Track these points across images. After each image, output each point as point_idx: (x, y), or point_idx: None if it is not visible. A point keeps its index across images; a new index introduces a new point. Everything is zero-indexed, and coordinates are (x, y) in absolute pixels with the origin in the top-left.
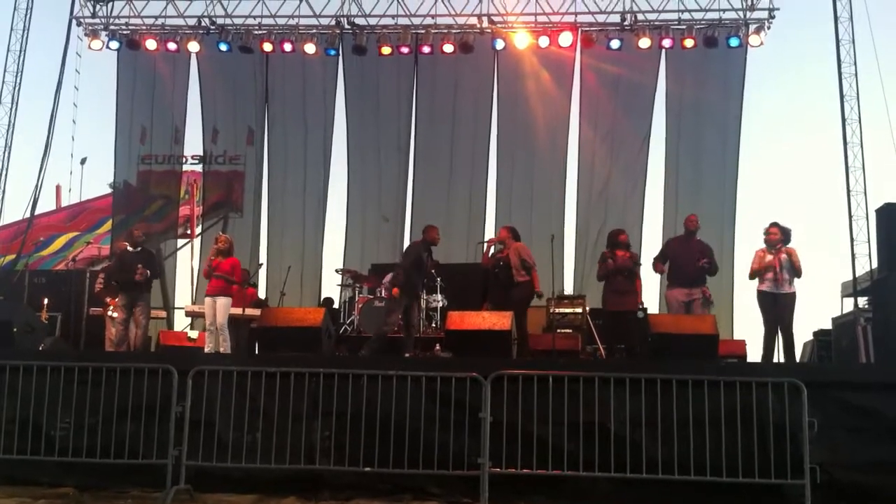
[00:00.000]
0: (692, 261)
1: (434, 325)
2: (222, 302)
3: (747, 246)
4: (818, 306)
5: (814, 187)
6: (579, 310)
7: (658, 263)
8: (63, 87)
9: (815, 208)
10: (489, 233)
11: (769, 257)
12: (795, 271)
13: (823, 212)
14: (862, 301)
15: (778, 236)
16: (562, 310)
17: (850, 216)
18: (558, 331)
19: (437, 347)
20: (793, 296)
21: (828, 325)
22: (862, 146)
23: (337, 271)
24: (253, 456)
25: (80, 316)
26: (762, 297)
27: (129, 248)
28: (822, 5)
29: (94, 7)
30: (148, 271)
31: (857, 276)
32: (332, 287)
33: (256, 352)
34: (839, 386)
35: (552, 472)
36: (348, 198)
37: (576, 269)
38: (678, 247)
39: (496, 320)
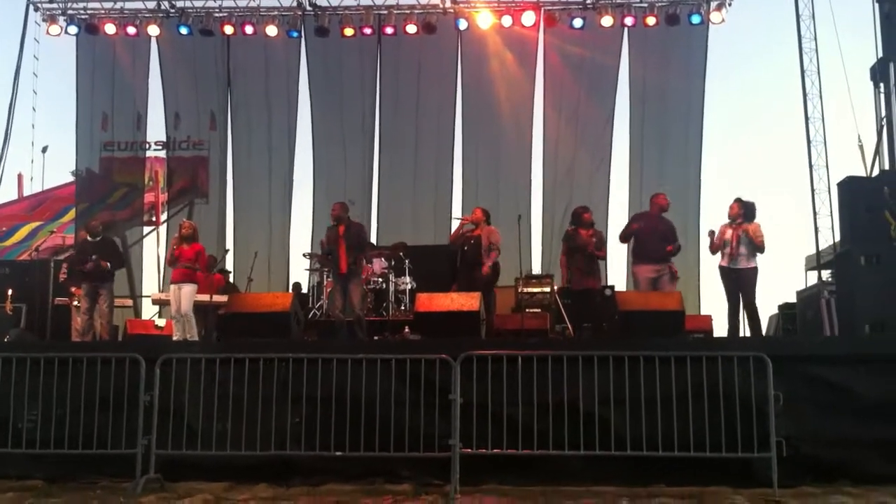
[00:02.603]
0: (659, 238)
1: (403, 307)
2: (187, 289)
3: (712, 223)
4: (783, 280)
5: (777, 162)
6: (547, 289)
7: (623, 236)
8: (21, 73)
9: (778, 183)
10: (457, 213)
11: (729, 232)
12: (756, 247)
13: (787, 186)
14: (825, 274)
15: (736, 211)
16: (530, 289)
17: (813, 190)
18: (527, 310)
19: (407, 330)
20: (753, 271)
21: (792, 299)
22: (823, 120)
23: (305, 255)
24: (223, 443)
25: (46, 306)
26: (721, 271)
27: (89, 238)
28: None
29: None
30: (109, 263)
31: (820, 249)
32: (300, 272)
33: (224, 338)
34: (804, 359)
35: (522, 452)
36: (314, 181)
37: (543, 249)
38: (645, 224)
39: (464, 301)
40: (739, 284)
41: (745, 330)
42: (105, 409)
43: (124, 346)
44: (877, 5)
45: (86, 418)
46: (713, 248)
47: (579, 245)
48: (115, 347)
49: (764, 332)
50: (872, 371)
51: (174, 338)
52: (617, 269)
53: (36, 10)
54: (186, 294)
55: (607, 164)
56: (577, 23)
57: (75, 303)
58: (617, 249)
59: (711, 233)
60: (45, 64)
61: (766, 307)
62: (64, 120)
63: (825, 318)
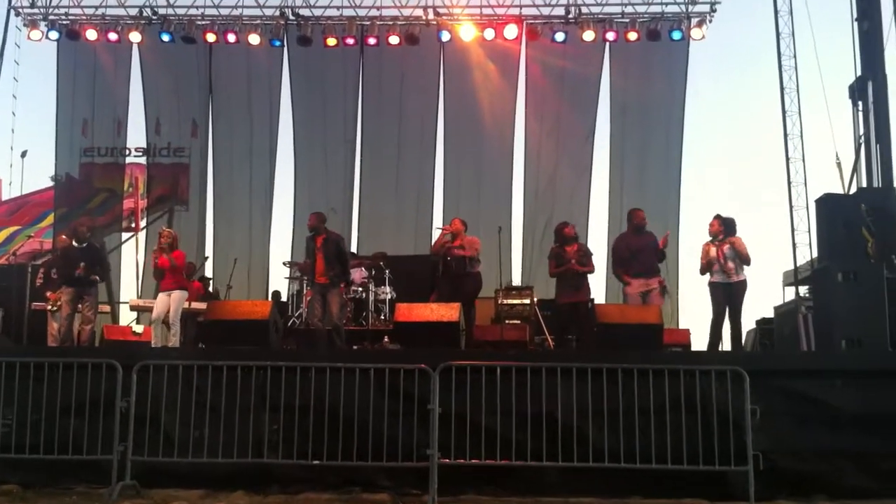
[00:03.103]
0: (648, 251)
1: (383, 317)
2: (177, 295)
3: (692, 237)
4: (761, 295)
5: (756, 179)
6: (527, 301)
7: (622, 273)
8: (1, 78)
9: (757, 199)
10: (437, 224)
11: (713, 250)
12: (743, 259)
13: (766, 202)
14: (803, 290)
15: (716, 228)
16: (510, 301)
17: (791, 206)
18: (506, 322)
19: (386, 339)
20: (744, 283)
21: (770, 314)
22: (802, 138)
23: (284, 264)
24: (200, 451)
25: (23, 311)
26: (714, 287)
27: (74, 244)
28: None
29: None
30: (97, 276)
31: (798, 265)
32: (279, 280)
33: (203, 345)
34: (781, 374)
35: (500, 463)
36: (295, 189)
37: (524, 261)
38: (632, 241)
39: (444, 312)
40: (731, 298)
41: (724, 344)
42: (81, 414)
43: (101, 351)
44: (856, 23)
45: (62, 424)
46: (703, 269)
47: (565, 262)
48: (92, 353)
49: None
50: (848, 385)
51: (153, 344)
52: (598, 282)
53: (17, 14)
54: (176, 300)
55: (588, 176)
56: (560, 37)
57: (49, 307)
58: (601, 260)
59: (667, 234)
60: (25, 69)
61: (744, 322)
62: (44, 125)
63: (802, 334)
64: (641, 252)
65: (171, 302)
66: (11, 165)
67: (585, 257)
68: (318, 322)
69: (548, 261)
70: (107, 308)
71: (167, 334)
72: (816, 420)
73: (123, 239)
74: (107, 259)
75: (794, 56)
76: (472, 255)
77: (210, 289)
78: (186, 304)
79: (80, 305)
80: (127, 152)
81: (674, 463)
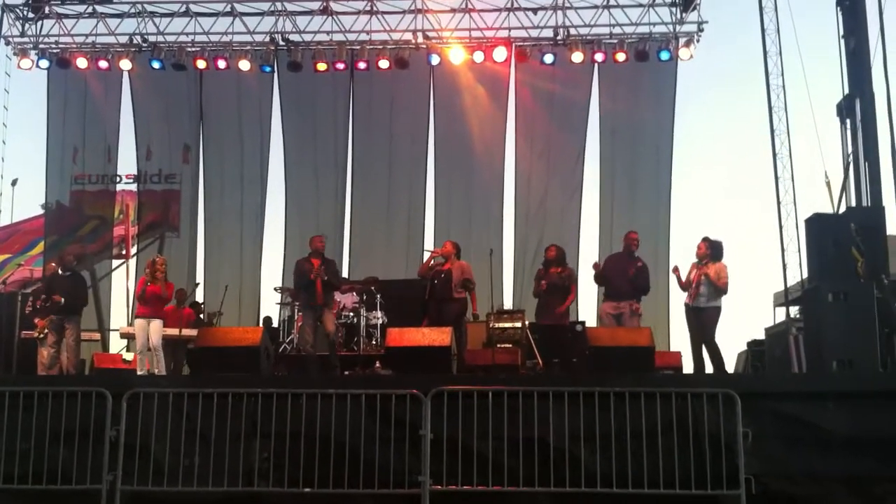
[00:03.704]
0: (623, 276)
1: (374, 342)
2: (157, 324)
3: (682, 259)
4: (751, 316)
5: (745, 198)
6: (519, 324)
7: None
8: None
9: (746, 219)
10: (427, 246)
11: (693, 272)
12: (718, 288)
13: (755, 223)
14: (794, 311)
15: (703, 251)
16: (501, 325)
17: (781, 226)
18: (498, 346)
19: (378, 365)
20: (714, 310)
21: (761, 335)
22: (791, 157)
23: (276, 290)
24: (190, 479)
25: (12, 339)
26: (686, 309)
27: (59, 272)
28: (750, 19)
29: (22, 26)
30: (62, 298)
31: (788, 286)
32: (270, 306)
33: (192, 373)
34: (772, 396)
35: (493, 489)
36: (286, 215)
37: (515, 284)
38: (613, 263)
39: (436, 336)
40: (699, 323)
41: (707, 367)
42: (70, 443)
43: (91, 380)
44: (842, 41)
45: (51, 453)
46: (682, 286)
47: (550, 283)
48: (82, 381)
49: (732, 368)
50: (840, 407)
51: (138, 372)
52: (587, 306)
53: (7, 44)
54: (156, 328)
55: (579, 197)
56: (548, 59)
57: (37, 335)
58: (587, 285)
59: (676, 269)
60: (15, 97)
61: (735, 344)
62: (34, 153)
63: (793, 355)
64: (614, 274)
65: (150, 329)
66: (1, 193)
67: (568, 279)
68: (309, 348)
69: (534, 282)
70: (97, 336)
71: (155, 360)
72: (808, 442)
73: (114, 266)
74: (86, 290)
75: (782, 74)
76: (458, 282)
77: (202, 315)
78: (177, 331)
79: (63, 332)
80: (118, 179)
81: (666, 487)
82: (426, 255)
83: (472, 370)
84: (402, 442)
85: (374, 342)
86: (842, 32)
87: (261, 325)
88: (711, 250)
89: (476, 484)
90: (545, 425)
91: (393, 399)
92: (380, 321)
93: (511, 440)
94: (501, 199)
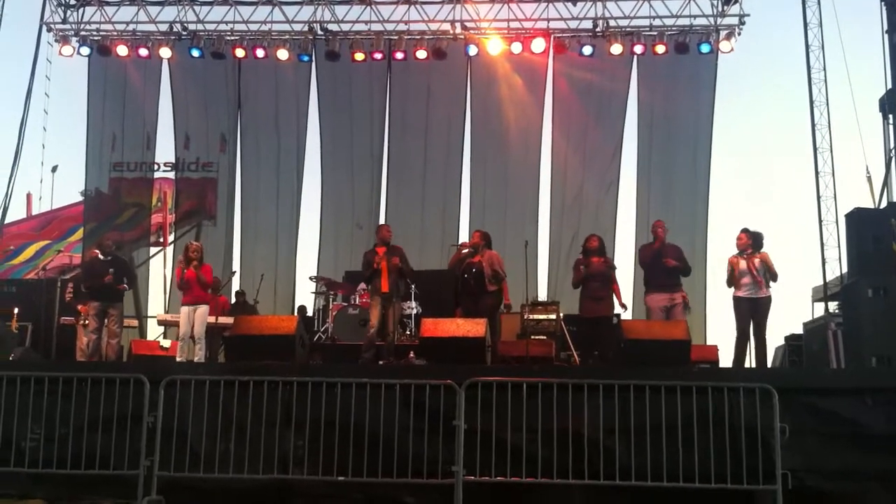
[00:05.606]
0: (666, 265)
1: (408, 332)
2: (202, 310)
3: (720, 251)
4: (790, 311)
5: (785, 192)
6: (553, 316)
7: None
8: (33, 94)
9: (786, 213)
10: (463, 239)
11: (743, 263)
12: (771, 275)
13: (794, 217)
14: (832, 306)
15: (744, 241)
16: (536, 316)
17: (821, 221)
18: (532, 337)
19: (412, 355)
20: (769, 299)
21: (799, 330)
22: (832, 151)
23: (311, 279)
24: (225, 466)
25: (51, 325)
26: (739, 302)
27: (100, 257)
28: (792, 12)
29: (64, 13)
30: (124, 278)
31: (827, 280)
32: (305, 295)
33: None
34: (810, 391)
35: (526, 480)
36: (322, 205)
37: (549, 276)
38: (651, 253)
39: (470, 327)
40: (756, 313)
41: (751, 360)
42: (108, 429)
43: (129, 366)
44: (886, 36)
45: (89, 438)
46: (730, 281)
47: (591, 273)
48: (120, 368)
49: (770, 363)
50: (879, 403)
51: (178, 359)
52: (627, 297)
53: (49, 30)
54: (201, 315)
55: (615, 190)
56: (587, 50)
57: (82, 321)
58: (626, 276)
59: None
60: (56, 84)
61: (773, 338)
62: (74, 140)
63: (832, 350)
64: (659, 265)
65: (195, 317)
66: (42, 180)
67: (609, 269)
68: (373, 333)
69: (572, 272)
70: (135, 322)
71: (193, 349)
72: (846, 438)
73: (151, 253)
74: (133, 269)
75: (824, 69)
76: (490, 275)
77: (247, 300)
78: (213, 319)
79: (106, 320)
80: (156, 167)
81: (701, 481)
82: (453, 250)
83: (505, 361)
84: (435, 432)
85: (408, 332)
86: (885, 27)
87: (295, 314)
88: (753, 241)
89: (509, 475)
90: (579, 417)
91: (427, 389)
92: (414, 311)
93: (545, 432)
94: (537, 191)
